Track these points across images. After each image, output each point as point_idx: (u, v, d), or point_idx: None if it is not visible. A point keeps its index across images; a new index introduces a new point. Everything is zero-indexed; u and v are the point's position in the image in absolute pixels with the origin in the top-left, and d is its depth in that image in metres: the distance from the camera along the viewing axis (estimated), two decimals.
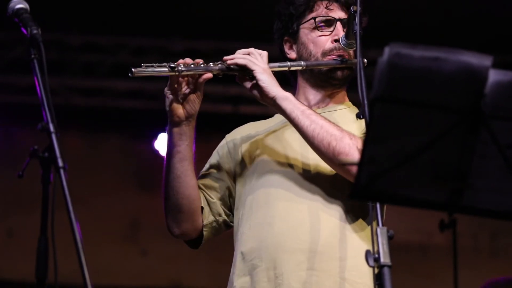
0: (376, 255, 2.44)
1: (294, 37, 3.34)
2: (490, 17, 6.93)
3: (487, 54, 2.19)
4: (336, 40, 3.24)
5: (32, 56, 2.66)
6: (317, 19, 3.28)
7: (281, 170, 3.20)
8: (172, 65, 3.07)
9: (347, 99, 3.38)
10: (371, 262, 2.45)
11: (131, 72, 3.04)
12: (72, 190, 2.46)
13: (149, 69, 3.06)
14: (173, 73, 3.08)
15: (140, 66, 3.06)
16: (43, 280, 2.50)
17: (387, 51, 2.16)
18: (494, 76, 2.19)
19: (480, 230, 8.23)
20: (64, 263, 2.58)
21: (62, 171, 2.49)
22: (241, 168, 3.30)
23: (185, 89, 3.17)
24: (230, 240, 3.33)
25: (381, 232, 2.49)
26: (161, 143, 7.72)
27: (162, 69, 3.08)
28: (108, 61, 7.76)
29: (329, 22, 3.28)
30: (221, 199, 3.32)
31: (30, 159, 2.56)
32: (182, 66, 3.08)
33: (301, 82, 3.35)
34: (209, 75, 3.13)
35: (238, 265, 3.18)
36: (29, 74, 2.65)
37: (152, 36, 7.61)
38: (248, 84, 3.15)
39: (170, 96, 3.16)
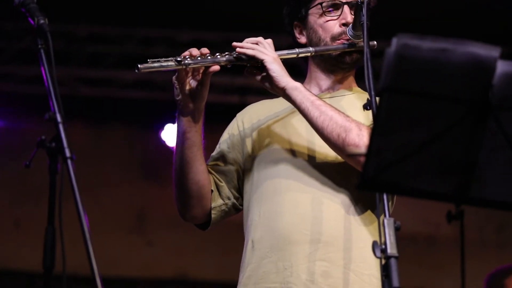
0: (383, 246, 2.44)
1: (303, 22, 3.33)
2: (498, 7, 6.91)
3: (495, 45, 2.18)
4: (344, 24, 3.23)
5: (39, 46, 2.66)
6: (323, 4, 3.27)
7: (291, 158, 3.20)
8: (179, 59, 3.05)
9: (355, 84, 3.38)
10: (378, 253, 2.44)
11: (138, 68, 3.02)
12: (78, 181, 2.45)
13: (156, 64, 3.04)
14: (180, 67, 3.07)
15: (146, 62, 3.03)
16: (50, 270, 2.50)
17: (395, 42, 2.15)
18: (502, 67, 2.18)
19: (487, 222, 8.23)
20: (71, 253, 2.57)
21: (69, 161, 2.49)
22: (251, 152, 3.30)
23: (192, 79, 3.16)
24: (236, 231, 3.33)
25: (388, 223, 2.49)
26: (167, 134, 7.73)
27: (168, 64, 3.05)
28: (115, 52, 7.76)
29: (336, 6, 3.27)
30: (230, 182, 3.33)
31: (37, 149, 2.56)
32: (188, 59, 3.07)
33: (312, 67, 3.35)
34: (216, 67, 3.12)
35: (248, 253, 3.20)
36: (36, 64, 2.65)
37: (160, 26, 7.61)
38: (257, 75, 3.14)
39: (178, 87, 3.16)
